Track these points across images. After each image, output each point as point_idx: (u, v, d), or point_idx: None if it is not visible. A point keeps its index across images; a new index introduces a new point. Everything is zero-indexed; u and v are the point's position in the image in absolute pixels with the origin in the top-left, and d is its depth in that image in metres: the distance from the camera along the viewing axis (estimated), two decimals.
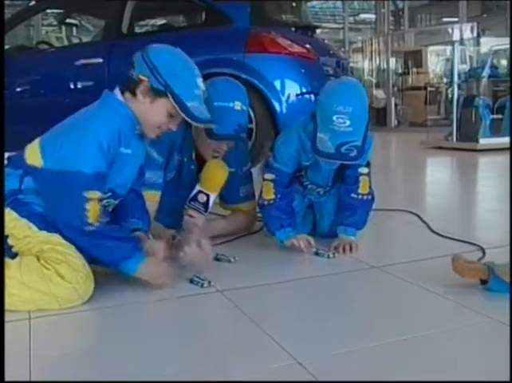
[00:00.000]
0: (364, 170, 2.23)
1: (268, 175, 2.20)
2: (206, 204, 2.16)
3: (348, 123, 1.93)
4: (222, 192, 2.28)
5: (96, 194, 1.69)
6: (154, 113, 1.77)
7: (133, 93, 1.76)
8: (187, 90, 1.75)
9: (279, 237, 2.15)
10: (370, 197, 2.25)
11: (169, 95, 1.72)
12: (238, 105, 2.11)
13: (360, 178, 2.22)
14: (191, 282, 1.80)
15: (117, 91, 1.80)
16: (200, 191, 2.15)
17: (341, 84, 2.11)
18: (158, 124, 1.81)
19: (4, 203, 1.68)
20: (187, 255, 1.87)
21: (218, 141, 2.15)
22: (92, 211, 1.67)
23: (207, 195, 2.15)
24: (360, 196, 2.21)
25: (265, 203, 2.19)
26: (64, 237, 1.68)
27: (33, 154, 1.73)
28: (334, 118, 1.93)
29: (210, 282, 1.78)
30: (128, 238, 1.77)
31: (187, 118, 1.76)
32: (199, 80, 1.80)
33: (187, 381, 1.14)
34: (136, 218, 1.91)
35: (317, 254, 2.10)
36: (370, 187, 2.25)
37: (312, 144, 2.01)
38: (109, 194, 1.79)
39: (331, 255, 2.07)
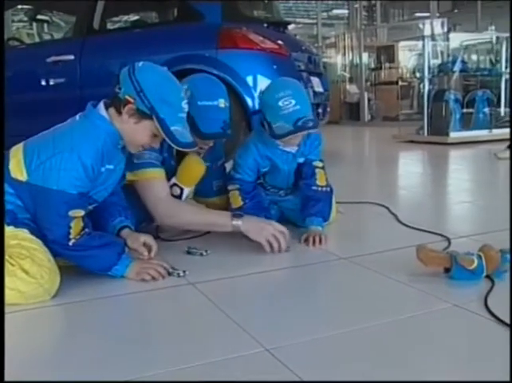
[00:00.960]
0: (319, 164, 2.35)
1: (232, 186, 2.31)
2: (179, 197, 2.18)
3: (293, 102, 2.09)
4: (195, 186, 2.30)
5: (80, 212, 1.72)
6: (138, 133, 1.79)
7: (118, 111, 1.77)
8: (171, 114, 1.76)
9: None
10: (329, 189, 2.37)
11: (154, 118, 1.74)
12: (221, 103, 2.13)
13: (316, 171, 2.33)
14: (169, 274, 1.85)
15: (101, 106, 1.80)
16: (175, 184, 2.18)
17: (276, 80, 2.37)
18: (141, 143, 1.84)
19: (4, 202, 1.69)
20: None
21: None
22: (76, 227, 1.70)
23: (181, 189, 2.18)
24: (319, 188, 2.32)
25: (236, 211, 2.24)
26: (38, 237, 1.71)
27: (16, 165, 1.72)
28: (280, 103, 2.09)
29: (184, 271, 1.85)
30: (111, 244, 1.80)
31: (169, 142, 1.78)
32: (184, 103, 1.82)
33: (186, 381, 1.17)
34: (124, 217, 1.96)
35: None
36: (327, 180, 2.36)
37: (272, 136, 2.17)
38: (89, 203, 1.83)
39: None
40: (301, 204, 2.35)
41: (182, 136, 1.79)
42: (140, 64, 1.79)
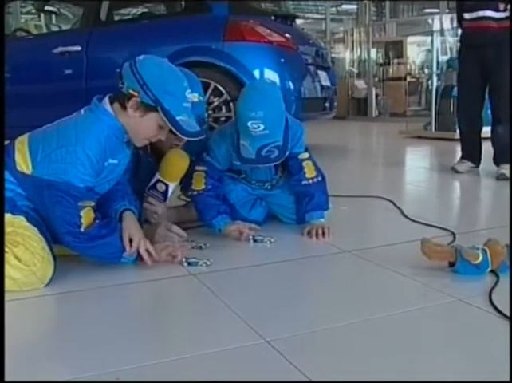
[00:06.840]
0: (305, 155, 2.26)
1: (199, 167, 2.20)
2: (165, 193, 2.14)
3: (262, 127, 1.98)
4: (182, 180, 2.24)
5: (90, 203, 1.72)
6: (144, 127, 1.79)
7: (123, 106, 1.76)
8: (176, 104, 1.76)
9: (217, 225, 2.14)
10: (320, 178, 2.28)
11: (159, 110, 1.74)
12: (195, 97, 2.05)
13: (304, 164, 2.25)
14: (189, 264, 1.83)
15: (106, 100, 1.79)
16: (159, 181, 2.14)
17: (253, 89, 2.14)
18: (148, 137, 1.84)
19: (4, 202, 1.68)
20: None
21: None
22: (87, 218, 1.69)
23: (166, 185, 2.14)
24: (310, 181, 2.25)
25: (195, 193, 2.19)
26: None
27: (22, 159, 1.72)
28: (249, 124, 1.98)
29: (209, 259, 1.85)
30: (118, 229, 1.77)
31: (176, 132, 1.78)
32: (188, 92, 1.82)
33: (185, 381, 1.15)
34: (127, 201, 1.92)
35: (255, 240, 2.10)
36: (317, 169, 2.28)
37: (237, 153, 2.08)
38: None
39: (272, 240, 2.09)
40: (295, 201, 2.30)
41: (188, 126, 1.79)
42: (141, 57, 1.79)
